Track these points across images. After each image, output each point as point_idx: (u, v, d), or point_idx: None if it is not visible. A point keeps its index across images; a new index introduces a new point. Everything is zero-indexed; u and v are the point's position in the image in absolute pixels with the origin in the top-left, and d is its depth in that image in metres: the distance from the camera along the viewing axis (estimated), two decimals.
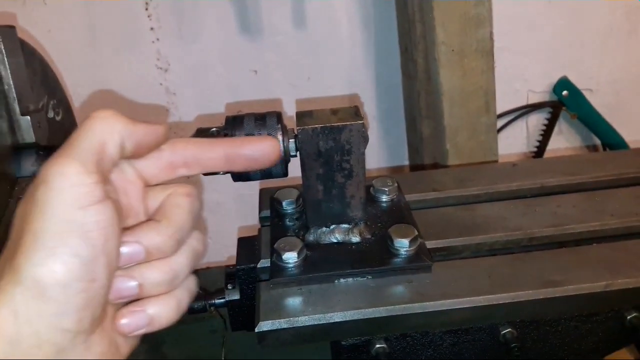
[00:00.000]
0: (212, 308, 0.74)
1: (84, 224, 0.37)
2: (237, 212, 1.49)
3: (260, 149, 0.49)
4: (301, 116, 0.64)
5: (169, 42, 1.32)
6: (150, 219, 0.44)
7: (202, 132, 0.64)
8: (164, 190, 0.46)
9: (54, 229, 0.36)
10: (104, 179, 0.40)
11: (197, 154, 0.47)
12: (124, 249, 0.41)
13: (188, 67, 1.35)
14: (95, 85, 1.35)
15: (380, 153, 1.45)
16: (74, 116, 0.76)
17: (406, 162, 1.43)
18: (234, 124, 0.62)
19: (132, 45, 1.32)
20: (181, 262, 0.44)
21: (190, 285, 0.45)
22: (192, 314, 0.70)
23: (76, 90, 1.35)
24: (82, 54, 1.31)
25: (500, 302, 0.59)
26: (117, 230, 0.40)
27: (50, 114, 0.69)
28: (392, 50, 1.32)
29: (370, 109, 1.42)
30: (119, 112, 0.42)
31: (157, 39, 1.31)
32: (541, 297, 0.59)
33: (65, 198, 0.37)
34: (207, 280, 1.12)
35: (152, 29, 1.30)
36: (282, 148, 0.60)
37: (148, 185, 0.46)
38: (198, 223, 0.47)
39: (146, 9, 1.28)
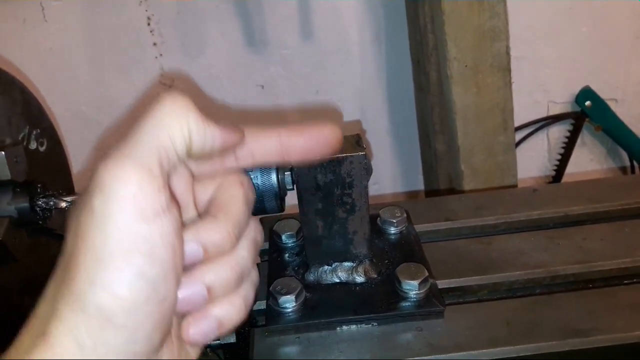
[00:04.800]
0: (207, 349, 0.69)
1: (149, 239, 0.33)
2: None
3: (319, 138, 0.42)
4: None
5: (172, 57, 1.28)
6: (205, 213, 0.40)
7: None
8: (212, 180, 0.41)
9: (116, 247, 0.32)
10: (167, 181, 0.35)
11: (249, 144, 0.41)
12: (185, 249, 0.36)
13: (193, 83, 1.31)
14: (99, 103, 1.31)
15: (393, 171, 1.39)
16: (61, 144, 0.72)
17: (421, 179, 1.36)
18: None
19: (135, 61, 1.28)
20: (244, 256, 0.40)
21: (254, 279, 0.41)
22: None
23: (80, 108, 1.32)
24: (85, 71, 1.28)
25: (521, 355, 0.53)
26: (181, 238, 0.35)
27: (33, 145, 0.65)
28: (404, 63, 1.27)
29: (382, 123, 1.36)
30: (191, 99, 0.37)
31: (161, 55, 1.28)
32: (567, 349, 0.53)
33: (128, 209, 0.32)
34: None
35: (155, 44, 1.26)
36: (276, 180, 0.53)
37: (194, 177, 0.41)
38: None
39: (148, 24, 1.24)
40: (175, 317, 0.37)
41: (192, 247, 0.36)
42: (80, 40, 1.24)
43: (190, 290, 0.36)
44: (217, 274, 0.37)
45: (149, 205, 0.33)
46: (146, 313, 0.33)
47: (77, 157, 1.10)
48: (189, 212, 0.40)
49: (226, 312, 0.38)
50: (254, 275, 0.41)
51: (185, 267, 0.36)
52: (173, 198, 0.35)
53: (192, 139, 0.36)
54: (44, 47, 1.24)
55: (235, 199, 0.40)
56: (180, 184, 0.39)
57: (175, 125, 0.35)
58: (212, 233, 0.37)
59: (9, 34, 1.21)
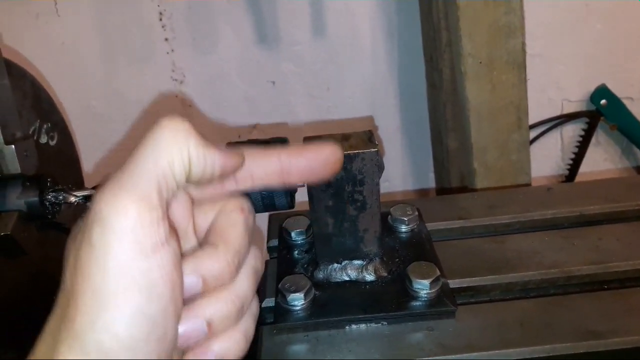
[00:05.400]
0: None
1: (148, 274, 0.32)
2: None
3: (320, 158, 0.41)
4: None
5: (184, 53, 1.27)
6: (205, 241, 0.39)
7: None
8: (212, 205, 0.40)
9: (115, 283, 0.32)
10: (166, 211, 0.34)
11: (248, 166, 0.39)
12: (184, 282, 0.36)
13: (204, 79, 1.30)
14: (110, 98, 1.32)
15: (404, 168, 1.38)
16: (71, 139, 0.72)
17: (432, 177, 1.35)
18: None
19: (146, 56, 1.28)
20: (244, 287, 0.38)
21: (254, 311, 0.40)
22: None
23: (90, 103, 1.32)
24: (96, 66, 1.28)
25: (534, 357, 0.52)
26: (181, 271, 0.34)
27: (44, 139, 0.65)
28: (416, 59, 1.25)
29: (393, 121, 1.35)
30: (189, 122, 0.35)
31: (172, 50, 1.27)
32: (581, 351, 0.52)
33: (127, 244, 0.32)
34: None
35: (166, 39, 1.26)
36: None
37: (194, 201, 0.40)
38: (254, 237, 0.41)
39: (160, 19, 1.24)
40: (176, 353, 0.36)
41: (192, 280, 0.36)
42: (92, 35, 1.24)
43: (190, 325, 0.35)
44: (218, 307, 0.37)
45: (148, 239, 0.32)
46: (146, 350, 0.32)
47: (87, 152, 1.10)
48: (188, 239, 0.39)
49: (227, 347, 0.37)
50: (254, 307, 0.40)
51: (184, 300, 0.35)
52: (172, 228, 0.35)
53: (192, 166, 0.35)
54: (57, 42, 1.24)
55: (236, 226, 0.39)
56: (179, 210, 0.38)
57: (175, 152, 0.34)
58: (212, 264, 0.36)
59: (22, 29, 1.22)
